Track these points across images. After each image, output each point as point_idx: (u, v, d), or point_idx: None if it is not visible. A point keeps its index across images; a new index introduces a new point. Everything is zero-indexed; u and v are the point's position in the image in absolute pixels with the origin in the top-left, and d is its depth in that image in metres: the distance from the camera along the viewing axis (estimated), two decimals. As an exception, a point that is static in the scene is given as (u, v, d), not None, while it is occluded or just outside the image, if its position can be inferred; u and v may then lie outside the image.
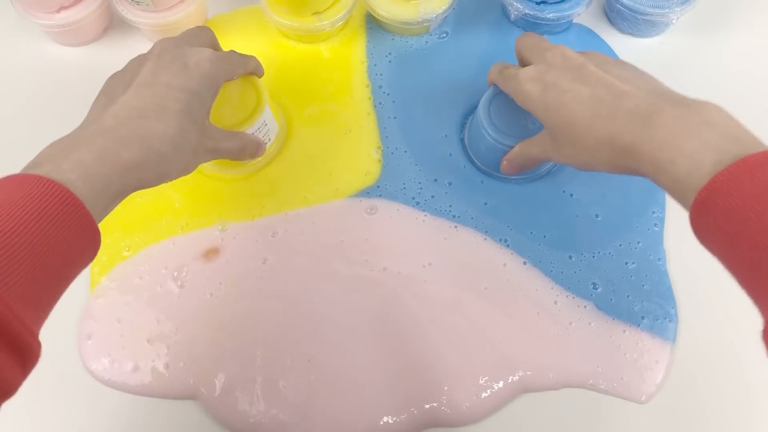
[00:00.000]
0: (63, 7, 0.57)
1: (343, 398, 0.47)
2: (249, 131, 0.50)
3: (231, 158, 0.48)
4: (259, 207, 0.54)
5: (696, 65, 0.60)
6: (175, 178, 0.42)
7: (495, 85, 0.51)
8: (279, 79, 0.59)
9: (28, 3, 0.56)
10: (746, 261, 0.33)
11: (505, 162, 0.51)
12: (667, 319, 0.50)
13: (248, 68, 0.50)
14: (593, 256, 0.52)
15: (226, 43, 0.60)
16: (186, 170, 0.42)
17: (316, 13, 0.58)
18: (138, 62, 0.44)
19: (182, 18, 0.58)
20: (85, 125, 0.40)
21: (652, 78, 0.42)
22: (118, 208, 0.53)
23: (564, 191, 0.54)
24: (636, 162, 0.38)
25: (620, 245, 0.52)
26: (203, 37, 0.48)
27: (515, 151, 0.49)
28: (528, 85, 0.44)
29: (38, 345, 0.32)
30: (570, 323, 0.50)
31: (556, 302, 0.50)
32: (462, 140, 0.56)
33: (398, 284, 0.51)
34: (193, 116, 0.42)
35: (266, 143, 0.53)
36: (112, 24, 0.62)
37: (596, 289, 0.51)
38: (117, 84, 0.43)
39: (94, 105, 0.43)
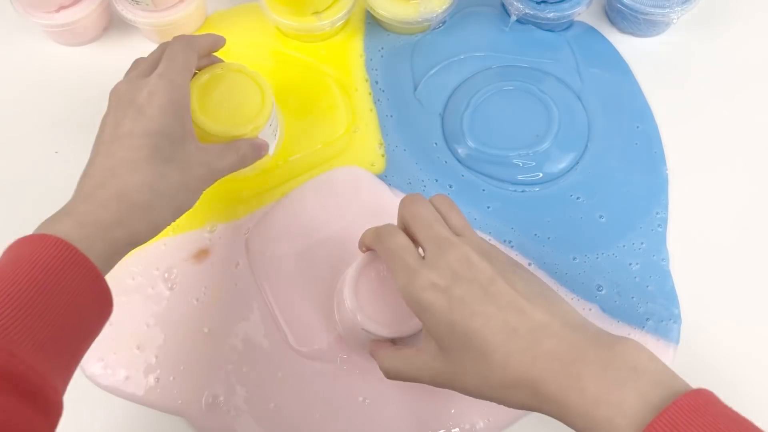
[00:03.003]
0: (62, 7, 0.55)
1: (344, 424, 0.45)
2: (264, 129, 0.47)
3: (234, 171, 0.45)
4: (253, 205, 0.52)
5: (696, 65, 0.58)
6: (172, 221, 0.40)
7: (370, 253, 0.42)
8: (279, 76, 0.57)
9: (27, 3, 0.54)
10: None
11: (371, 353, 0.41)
12: (671, 321, 0.48)
13: (203, 51, 0.46)
14: (597, 258, 0.49)
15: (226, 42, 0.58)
16: (182, 208, 0.41)
17: (316, 12, 0.55)
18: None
19: (182, 17, 0.55)
20: (72, 196, 0.39)
21: (553, 292, 0.37)
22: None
23: (570, 195, 0.52)
24: (561, 414, 0.33)
25: (624, 246, 0.50)
26: (155, 59, 0.44)
27: (380, 357, 0.40)
28: (430, 294, 0.35)
29: (54, 392, 0.32)
30: None
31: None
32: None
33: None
34: (165, 155, 0.40)
35: (275, 136, 0.50)
36: (112, 24, 0.60)
37: (600, 290, 0.48)
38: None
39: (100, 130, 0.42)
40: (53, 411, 0.32)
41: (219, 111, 0.46)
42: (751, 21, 0.60)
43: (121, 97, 0.42)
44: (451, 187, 0.52)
